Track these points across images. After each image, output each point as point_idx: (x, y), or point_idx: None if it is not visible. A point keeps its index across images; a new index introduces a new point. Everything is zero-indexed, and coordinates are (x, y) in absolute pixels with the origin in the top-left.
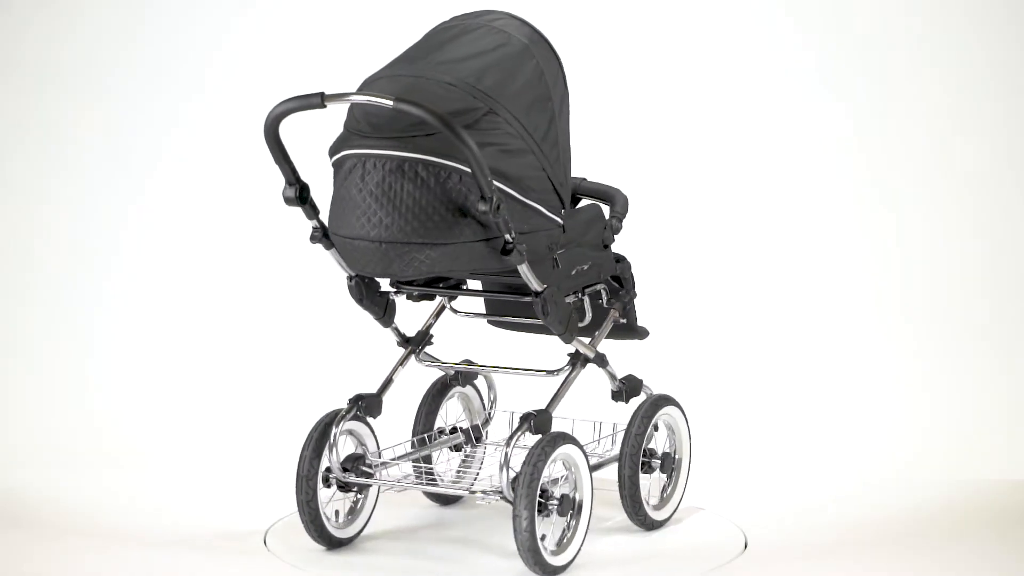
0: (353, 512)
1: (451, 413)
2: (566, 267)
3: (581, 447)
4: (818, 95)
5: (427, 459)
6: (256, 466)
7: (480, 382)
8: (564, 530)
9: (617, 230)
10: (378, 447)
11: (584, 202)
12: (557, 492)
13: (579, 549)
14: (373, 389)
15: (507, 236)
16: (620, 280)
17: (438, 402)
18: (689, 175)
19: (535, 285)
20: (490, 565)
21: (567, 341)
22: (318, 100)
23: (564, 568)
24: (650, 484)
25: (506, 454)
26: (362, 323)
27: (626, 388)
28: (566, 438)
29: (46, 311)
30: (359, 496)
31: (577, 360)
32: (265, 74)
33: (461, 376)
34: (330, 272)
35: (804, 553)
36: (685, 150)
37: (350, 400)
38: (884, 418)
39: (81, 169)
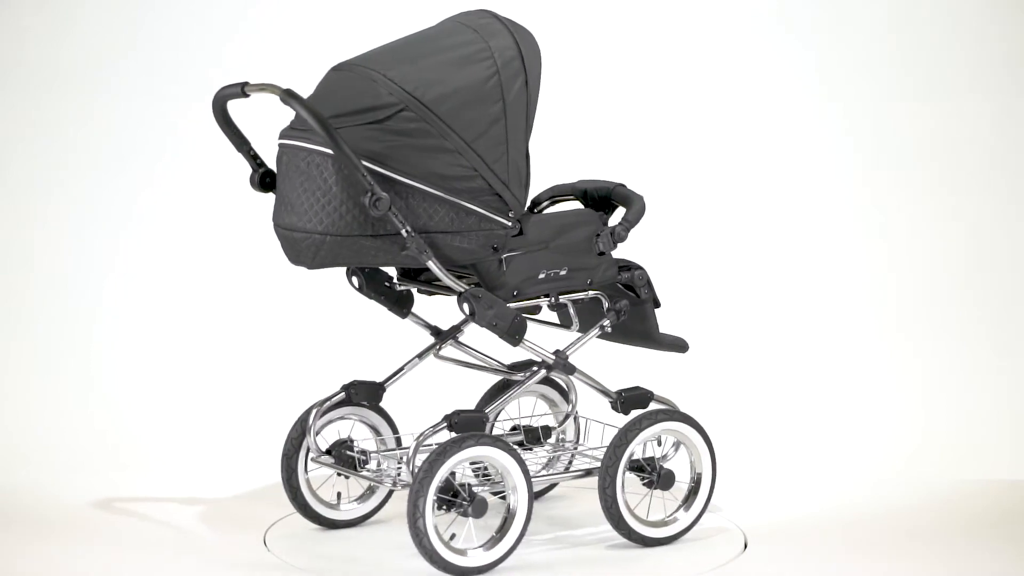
0: (363, 497)
1: (526, 411)
2: (526, 270)
3: (510, 451)
4: (814, 98)
5: None
6: (256, 466)
7: (565, 383)
8: (495, 533)
9: (620, 238)
10: (395, 435)
11: (558, 207)
12: (479, 492)
13: (505, 553)
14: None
15: (402, 232)
16: (634, 290)
17: (496, 399)
18: (683, 178)
19: (452, 285)
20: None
21: (513, 344)
22: (239, 90)
23: (477, 570)
24: (650, 500)
25: (414, 447)
26: (380, 317)
27: (623, 400)
28: (482, 440)
29: (46, 311)
30: (373, 482)
31: (540, 366)
32: (268, 74)
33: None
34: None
35: (804, 553)
36: (681, 154)
37: (343, 386)
38: (884, 418)
39: (81, 170)
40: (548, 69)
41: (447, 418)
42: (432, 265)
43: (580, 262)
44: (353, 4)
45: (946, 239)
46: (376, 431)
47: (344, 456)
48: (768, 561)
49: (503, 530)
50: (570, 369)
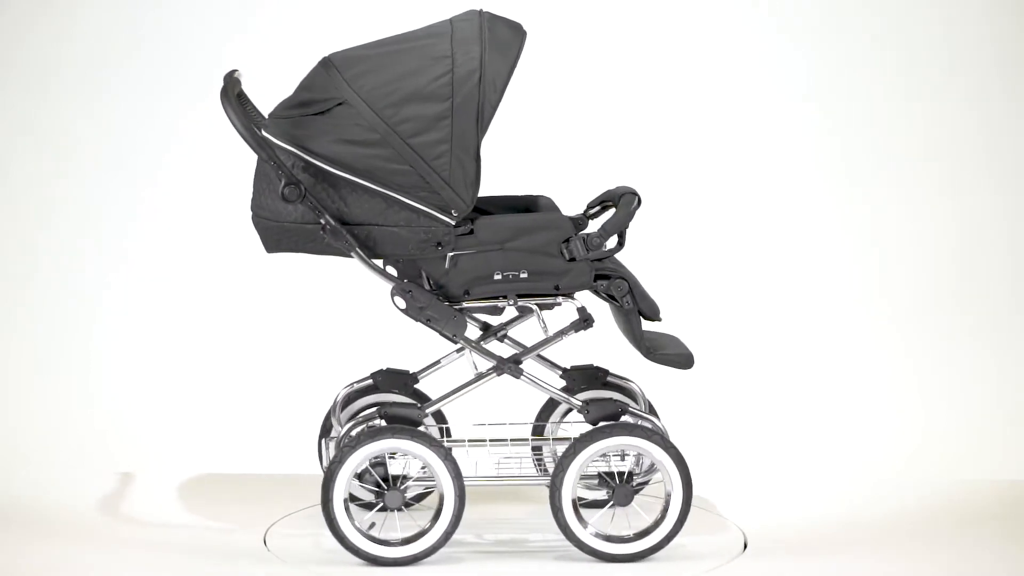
0: None
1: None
2: (477, 269)
3: (434, 446)
4: (808, 100)
5: (537, 449)
6: (256, 466)
7: (635, 390)
8: (424, 527)
9: (594, 245)
10: (429, 426)
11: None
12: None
13: (432, 544)
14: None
15: (320, 220)
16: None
17: (556, 401)
18: (679, 181)
19: (382, 278)
20: (494, 567)
21: (454, 342)
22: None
23: (393, 562)
24: (613, 515)
25: (342, 434)
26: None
27: (588, 410)
28: (399, 433)
29: (48, 312)
30: None
31: (491, 369)
32: (270, 75)
33: (582, 380)
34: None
35: (804, 553)
36: (675, 157)
37: (371, 374)
38: (883, 419)
39: (83, 169)
40: (540, 73)
41: (380, 408)
42: (355, 256)
43: (543, 266)
44: (354, 4)
45: (944, 239)
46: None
47: None
48: (768, 561)
49: (431, 526)
50: (517, 373)
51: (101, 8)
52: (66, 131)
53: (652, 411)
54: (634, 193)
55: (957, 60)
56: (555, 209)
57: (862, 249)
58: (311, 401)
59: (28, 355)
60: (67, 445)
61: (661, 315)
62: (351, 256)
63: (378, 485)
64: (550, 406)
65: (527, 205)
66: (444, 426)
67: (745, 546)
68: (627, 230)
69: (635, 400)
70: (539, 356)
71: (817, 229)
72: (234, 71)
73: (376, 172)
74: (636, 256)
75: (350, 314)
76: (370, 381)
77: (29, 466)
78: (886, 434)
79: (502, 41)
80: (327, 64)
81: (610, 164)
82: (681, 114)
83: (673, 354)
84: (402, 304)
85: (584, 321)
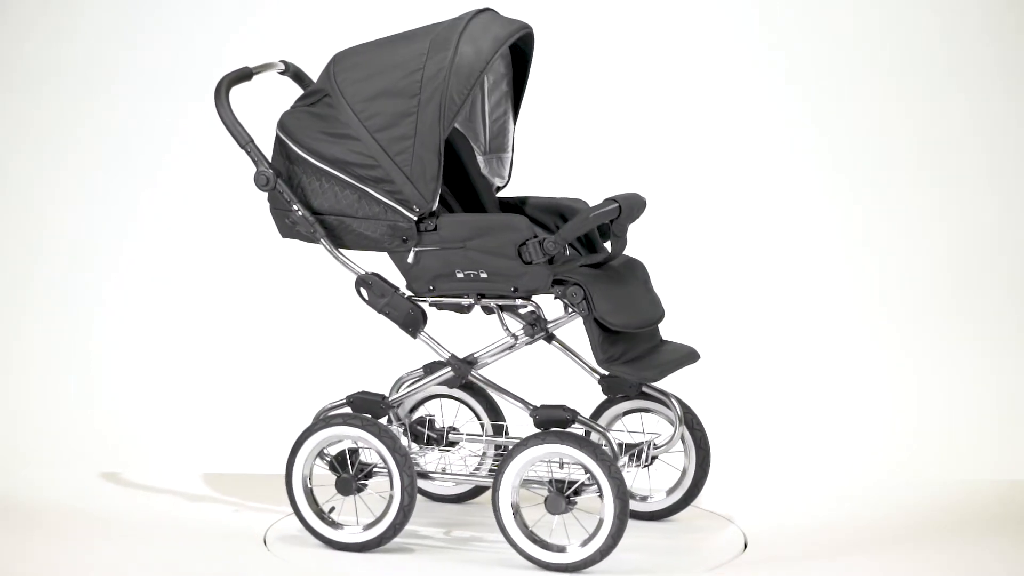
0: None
1: (647, 426)
2: (439, 267)
3: (384, 438)
4: (800, 102)
5: None
6: (256, 466)
7: (670, 401)
8: (376, 517)
9: (548, 250)
10: (482, 425)
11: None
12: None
13: (380, 534)
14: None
15: (292, 207)
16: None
17: (603, 409)
18: (676, 183)
19: (346, 268)
20: (487, 569)
21: (412, 337)
22: (247, 72)
23: (344, 546)
24: (553, 523)
25: (313, 421)
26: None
27: (536, 415)
28: (351, 420)
29: (48, 311)
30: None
31: (448, 364)
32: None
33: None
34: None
35: (804, 553)
36: (671, 159)
37: (423, 365)
38: (882, 419)
39: (84, 170)
40: (537, 79)
41: (348, 397)
42: (323, 245)
43: (500, 267)
44: (355, 4)
45: (943, 240)
46: (477, 415)
47: (416, 432)
48: (768, 561)
49: (382, 516)
50: (466, 371)
51: (101, 8)
52: (66, 131)
53: (693, 423)
54: (615, 199)
55: (957, 60)
56: None
57: (862, 250)
58: (312, 401)
59: (28, 355)
60: (67, 445)
61: (632, 326)
62: (319, 243)
63: (332, 467)
64: (605, 405)
65: (558, 208)
66: (504, 424)
67: (745, 546)
68: (625, 234)
69: (671, 410)
70: (579, 361)
71: (816, 230)
72: (282, 60)
73: (349, 164)
74: (639, 257)
75: (352, 312)
76: (421, 372)
77: (29, 466)
78: (886, 434)
79: (481, 39)
80: (331, 60)
81: (640, 168)
82: (683, 115)
83: (637, 368)
84: (364, 294)
85: (532, 325)
